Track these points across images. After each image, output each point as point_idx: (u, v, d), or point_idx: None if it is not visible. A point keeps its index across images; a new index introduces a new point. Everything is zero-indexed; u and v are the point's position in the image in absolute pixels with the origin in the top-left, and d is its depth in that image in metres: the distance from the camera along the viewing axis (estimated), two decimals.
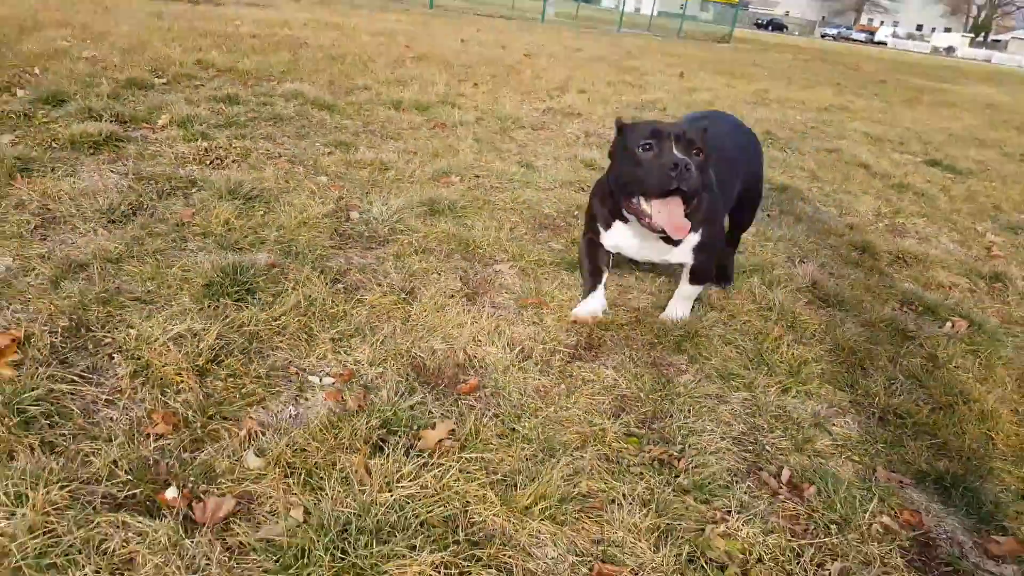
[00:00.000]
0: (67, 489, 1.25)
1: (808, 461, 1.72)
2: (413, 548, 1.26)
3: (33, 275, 1.95)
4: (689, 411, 1.85)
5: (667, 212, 1.86)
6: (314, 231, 2.53)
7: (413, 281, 2.28)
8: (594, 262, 2.25)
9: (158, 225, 2.40)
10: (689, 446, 1.70)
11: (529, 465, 1.53)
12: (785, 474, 1.65)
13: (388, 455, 1.46)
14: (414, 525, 1.32)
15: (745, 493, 1.57)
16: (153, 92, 4.14)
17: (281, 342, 1.85)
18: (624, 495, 1.49)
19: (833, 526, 1.51)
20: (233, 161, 3.17)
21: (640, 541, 1.38)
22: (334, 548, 1.22)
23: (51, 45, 4.82)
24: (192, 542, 1.20)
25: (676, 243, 2.06)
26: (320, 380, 1.73)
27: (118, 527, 1.20)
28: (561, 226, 3.05)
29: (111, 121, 3.34)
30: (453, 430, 1.59)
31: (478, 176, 3.53)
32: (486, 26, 15.04)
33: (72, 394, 1.52)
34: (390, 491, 1.36)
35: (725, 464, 1.66)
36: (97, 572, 1.12)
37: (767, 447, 1.76)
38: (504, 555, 1.30)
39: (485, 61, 8.17)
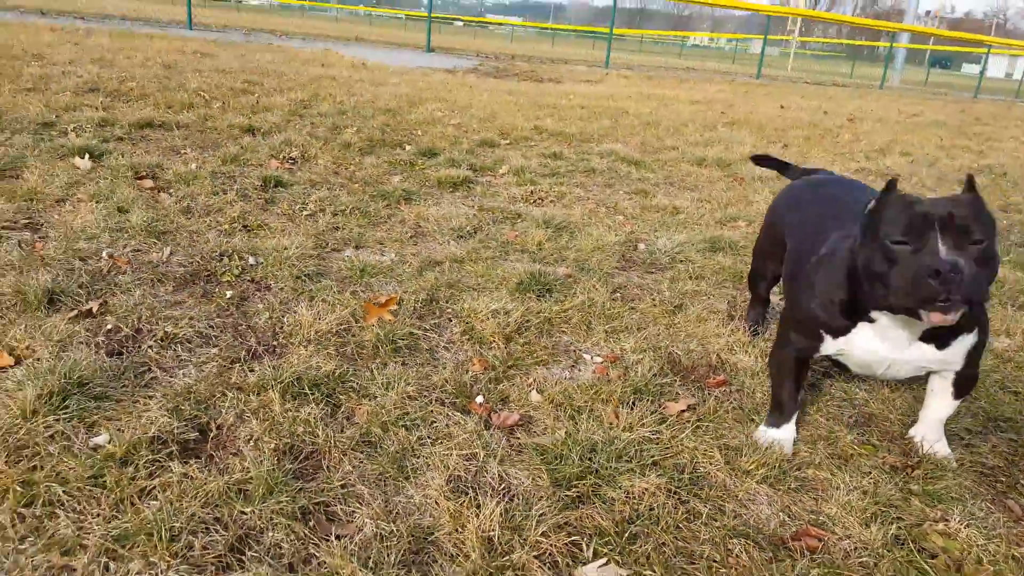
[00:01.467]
0: (415, 388, 1.86)
1: None
2: (643, 473, 1.60)
3: (407, 265, 2.73)
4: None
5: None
6: (605, 254, 3.02)
7: (683, 298, 2.62)
8: (797, 382, 1.77)
9: (490, 242, 3.10)
10: (928, 461, 1.75)
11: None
12: None
13: (634, 409, 1.82)
14: (648, 463, 1.65)
15: (979, 509, 1.59)
16: (498, 149, 5.13)
17: (566, 328, 2.33)
18: (845, 482, 1.64)
19: None
20: (551, 201, 3.85)
21: (851, 516, 1.53)
22: (583, 457, 1.62)
23: (430, 115, 6.21)
24: (488, 433, 1.70)
25: (944, 344, 1.57)
26: (591, 357, 2.16)
27: (443, 414, 1.75)
28: None
29: (467, 169, 4.29)
30: (694, 406, 1.90)
31: None
32: (813, 93, 14.72)
33: (423, 338, 2.17)
34: (631, 431, 1.72)
35: (964, 483, 1.68)
36: (429, 435, 1.67)
37: (1022, 481, 1.72)
38: (721, 497, 1.56)
39: (801, 125, 8.16)
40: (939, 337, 1.56)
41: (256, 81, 7.04)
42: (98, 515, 1.32)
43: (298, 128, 4.90)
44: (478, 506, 1.42)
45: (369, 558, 1.29)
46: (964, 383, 1.71)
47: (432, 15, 18.45)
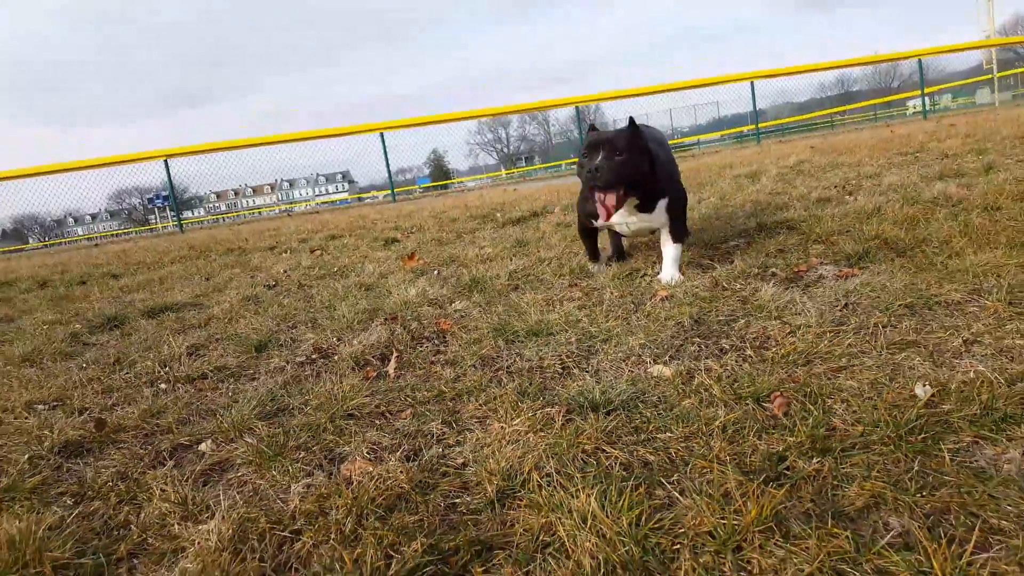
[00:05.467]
0: (414, 274, 3.75)
1: None
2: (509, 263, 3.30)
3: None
4: None
5: (600, 197, 2.75)
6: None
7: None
8: (592, 242, 3.35)
9: (510, 240, 4.95)
10: (667, 286, 3.24)
11: None
12: None
13: (512, 263, 3.54)
14: (511, 260, 3.35)
15: (694, 278, 3.06)
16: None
17: (523, 255, 4.08)
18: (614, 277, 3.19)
19: None
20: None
21: (606, 283, 3.09)
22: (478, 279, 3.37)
23: (533, 198, 8.30)
24: (435, 275, 3.52)
25: (649, 209, 2.89)
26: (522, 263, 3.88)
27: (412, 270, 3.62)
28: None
29: (529, 216, 6.22)
30: (559, 260, 3.56)
31: None
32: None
33: (431, 272, 4.05)
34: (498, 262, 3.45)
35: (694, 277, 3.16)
36: (394, 272, 3.54)
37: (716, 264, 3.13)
38: (537, 280, 3.21)
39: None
40: (646, 206, 2.94)
41: (414, 212, 9.75)
42: None
43: (427, 223, 7.25)
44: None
45: None
46: (676, 233, 2.99)
47: None
